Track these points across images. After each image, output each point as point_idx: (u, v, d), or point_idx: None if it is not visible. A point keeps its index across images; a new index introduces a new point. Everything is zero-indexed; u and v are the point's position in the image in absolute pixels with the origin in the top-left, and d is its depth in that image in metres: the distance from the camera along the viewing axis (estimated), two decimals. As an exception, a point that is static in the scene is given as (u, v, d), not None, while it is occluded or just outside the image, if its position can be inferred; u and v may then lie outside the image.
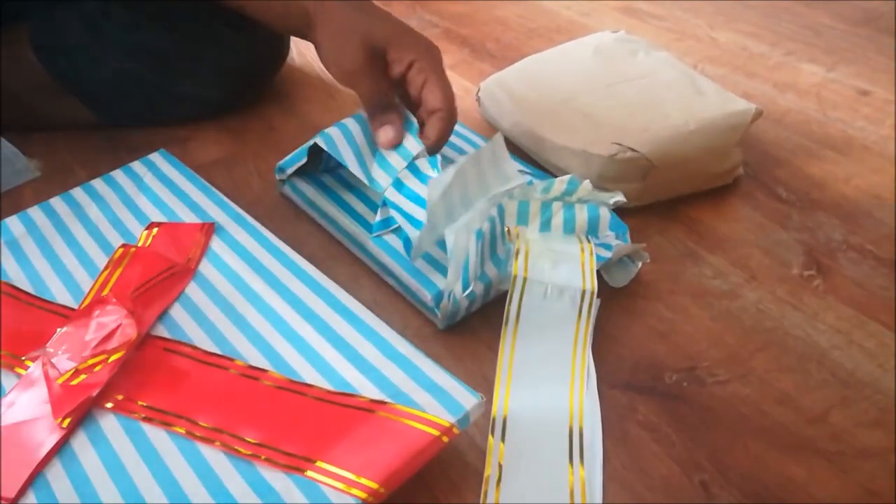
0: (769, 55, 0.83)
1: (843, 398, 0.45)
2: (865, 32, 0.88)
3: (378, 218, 0.53)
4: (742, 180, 0.63)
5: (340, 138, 0.53)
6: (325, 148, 0.53)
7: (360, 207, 0.56)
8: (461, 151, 0.62)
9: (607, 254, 0.49)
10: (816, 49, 0.84)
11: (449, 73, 0.53)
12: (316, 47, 0.55)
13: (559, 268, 0.47)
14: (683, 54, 0.83)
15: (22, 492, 0.37)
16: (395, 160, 0.53)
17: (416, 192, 0.51)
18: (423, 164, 0.52)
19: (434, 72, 0.52)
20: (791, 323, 0.50)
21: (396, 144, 0.53)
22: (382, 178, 0.53)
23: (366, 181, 0.52)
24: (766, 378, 0.46)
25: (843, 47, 0.84)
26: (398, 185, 0.52)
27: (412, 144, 0.53)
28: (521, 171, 0.59)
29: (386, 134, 0.52)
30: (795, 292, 0.52)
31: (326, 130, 0.54)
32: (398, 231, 0.52)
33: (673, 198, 0.60)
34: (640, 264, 0.52)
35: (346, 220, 0.55)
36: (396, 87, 0.54)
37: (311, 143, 0.55)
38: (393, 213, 0.51)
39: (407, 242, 0.49)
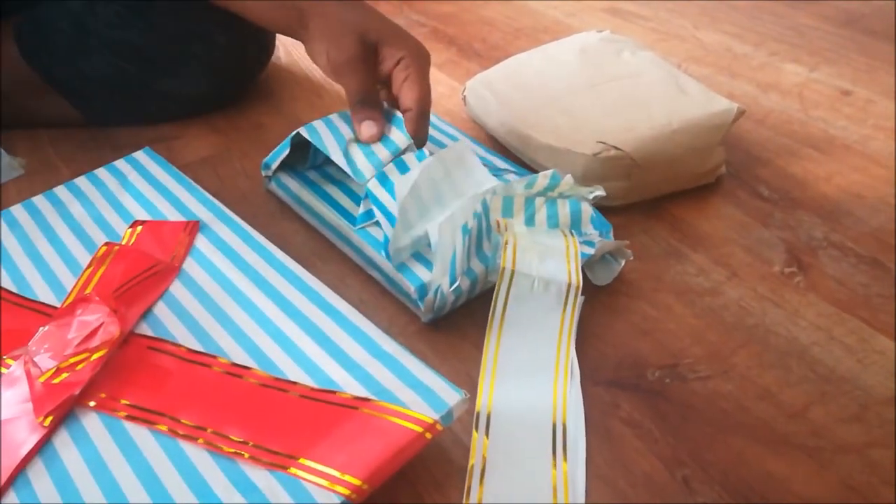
0: (753, 55, 0.84)
1: (822, 394, 0.45)
2: (847, 33, 0.88)
3: (361, 210, 0.53)
4: (725, 179, 0.63)
5: (325, 130, 0.54)
6: (307, 137, 0.53)
7: (344, 201, 0.56)
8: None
9: (590, 251, 0.49)
10: (799, 50, 0.85)
11: (436, 73, 0.54)
12: (306, 43, 0.55)
13: (546, 262, 0.47)
14: (668, 54, 0.84)
15: (3, 491, 0.36)
16: (382, 153, 0.53)
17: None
18: (411, 159, 0.53)
19: (417, 71, 0.53)
20: (772, 320, 0.50)
21: (377, 139, 0.53)
22: (367, 170, 0.53)
23: (348, 170, 0.52)
24: (747, 374, 0.46)
25: (826, 48, 0.85)
26: (382, 179, 0.52)
27: (399, 138, 0.53)
28: (505, 169, 0.59)
29: (368, 129, 0.53)
30: (777, 289, 0.52)
31: (311, 123, 0.54)
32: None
33: (657, 196, 0.60)
34: (623, 262, 0.52)
35: (330, 213, 0.55)
36: (382, 84, 0.55)
37: (293, 134, 0.55)
38: (373, 207, 0.51)
39: (387, 241, 0.50)
